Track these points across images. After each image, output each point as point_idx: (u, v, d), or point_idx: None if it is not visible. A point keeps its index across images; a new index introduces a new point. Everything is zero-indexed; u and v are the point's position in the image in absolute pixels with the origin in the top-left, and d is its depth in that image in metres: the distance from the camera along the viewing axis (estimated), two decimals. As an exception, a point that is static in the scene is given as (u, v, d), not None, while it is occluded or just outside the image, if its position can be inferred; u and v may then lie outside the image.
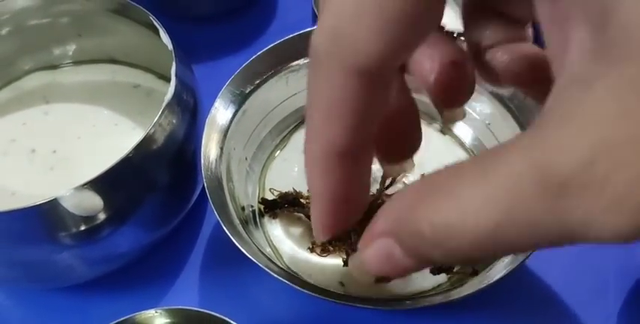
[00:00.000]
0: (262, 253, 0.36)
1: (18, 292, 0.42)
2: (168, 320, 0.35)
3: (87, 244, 0.37)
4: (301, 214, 0.42)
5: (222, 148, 0.39)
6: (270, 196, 0.42)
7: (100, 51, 0.49)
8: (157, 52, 0.44)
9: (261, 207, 0.42)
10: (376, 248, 0.18)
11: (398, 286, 0.39)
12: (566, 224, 0.14)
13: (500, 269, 0.35)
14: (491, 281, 0.33)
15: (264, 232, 0.42)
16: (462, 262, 0.21)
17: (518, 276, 0.35)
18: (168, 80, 0.48)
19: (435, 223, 0.16)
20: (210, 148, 0.39)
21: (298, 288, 0.33)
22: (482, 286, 0.33)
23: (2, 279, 0.41)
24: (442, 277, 0.39)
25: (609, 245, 0.40)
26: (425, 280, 0.39)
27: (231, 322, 0.34)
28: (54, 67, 0.50)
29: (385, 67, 0.18)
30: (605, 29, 0.13)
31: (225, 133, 0.40)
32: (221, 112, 0.40)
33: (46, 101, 0.48)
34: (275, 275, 0.34)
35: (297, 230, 0.42)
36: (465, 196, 0.15)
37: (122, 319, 0.34)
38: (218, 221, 0.44)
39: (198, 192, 0.43)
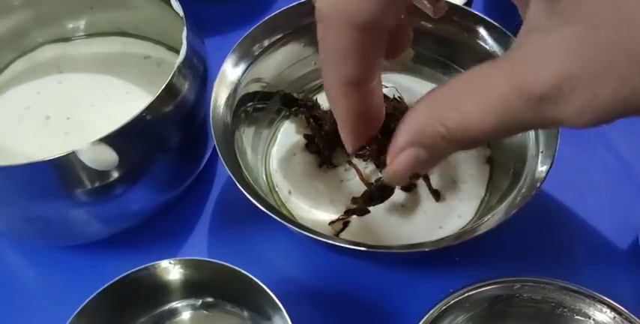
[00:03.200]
0: (270, 204, 0.37)
1: (34, 250, 0.44)
2: (182, 270, 0.37)
3: (101, 201, 0.38)
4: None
5: (232, 102, 0.41)
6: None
7: (112, 24, 0.51)
8: (167, 25, 0.46)
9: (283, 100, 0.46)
10: (405, 156, 0.25)
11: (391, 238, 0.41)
12: (545, 121, 0.22)
13: (493, 221, 0.36)
14: (489, 229, 0.35)
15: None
16: (470, 147, 0.28)
17: (510, 229, 0.36)
18: (178, 52, 0.49)
19: (450, 126, 0.23)
20: (220, 101, 0.40)
21: (307, 234, 0.35)
22: (480, 232, 0.35)
23: (20, 234, 0.42)
24: (442, 232, 0.41)
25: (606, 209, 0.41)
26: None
27: (241, 270, 0.35)
28: (66, 39, 0.51)
29: (378, 23, 0.25)
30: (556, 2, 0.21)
31: (235, 89, 0.41)
32: (232, 68, 0.42)
33: (60, 71, 0.49)
34: (290, 225, 0.35)
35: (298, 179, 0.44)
36: (469, 110, 0.23)
37: (137, 268, 0.36)
38: (227, 183, 0.46)
39: (208, 155, 0.44)
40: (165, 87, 0.38)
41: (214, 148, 0.39)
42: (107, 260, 0.42)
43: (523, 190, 0.37)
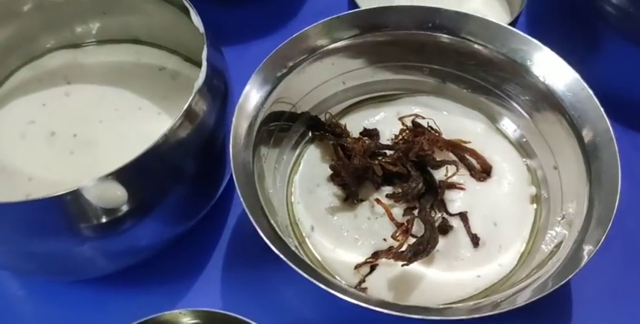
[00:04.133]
0: (290, 247, 0.33)
1: (35, 283, 0.40)
2: (192, 321, 0.33)
3: (108, 236, 0.35)
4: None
5: (253, 128, 0.38)
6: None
7: (125, 30, 0.47)
8: (184, 34, 0.42)
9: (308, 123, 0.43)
10: None
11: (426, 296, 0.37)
12: None
13: (540, 286, 0.32)
14: (535, 297, 0.31)
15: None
16: None
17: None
18: (195, 63, 0.46)
19: None
20: (240, 130, 0.37)
21: (324, 287, 0.32)
22: (522, 303, 0.31)
23: (20, 270, 0.39)
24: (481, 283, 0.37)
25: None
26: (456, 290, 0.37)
27: (257, 325, 0.32)
28: (76, 45, 0.47)
29: None
30: None
31: (256, 115, 0.38)
32: (252, 97, 0.38)
33: (68, 82, 0.45)
34: (307, 276, 0.32)
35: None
36: None
37: (146, 318, 0.32)
38: (242, 215, 0.42)
39: (225, 182, 0.41)
40: (184, 113, 0.34)
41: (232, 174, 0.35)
42: (111, 296, 0.39)
43: (582, 247, 0.33)
